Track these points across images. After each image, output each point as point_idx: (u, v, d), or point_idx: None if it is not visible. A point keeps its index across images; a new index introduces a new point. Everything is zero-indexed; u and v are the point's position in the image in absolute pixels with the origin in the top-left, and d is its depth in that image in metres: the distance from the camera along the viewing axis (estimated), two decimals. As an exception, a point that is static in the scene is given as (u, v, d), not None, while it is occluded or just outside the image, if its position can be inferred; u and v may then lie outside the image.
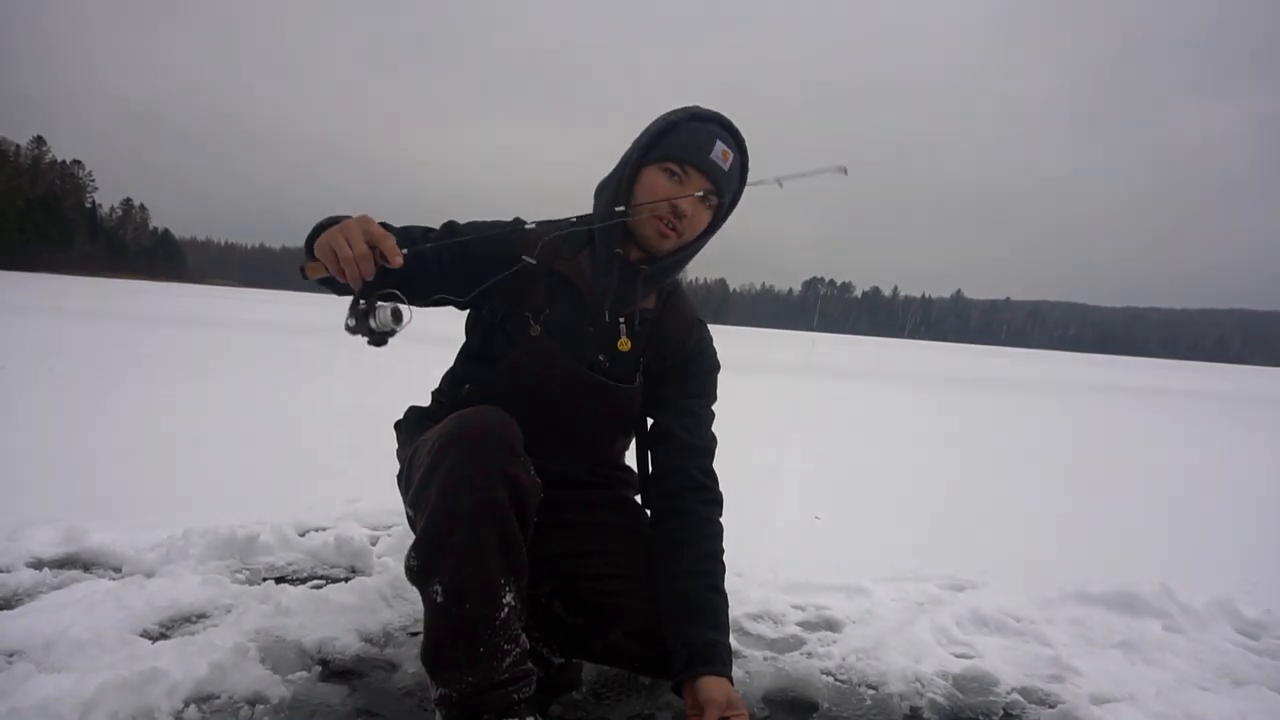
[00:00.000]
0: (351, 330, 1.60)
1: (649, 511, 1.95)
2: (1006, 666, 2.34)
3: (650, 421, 1.97)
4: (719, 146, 1.75)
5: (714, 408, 1.99)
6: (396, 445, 2.03)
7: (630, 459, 2.10)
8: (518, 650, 1.61)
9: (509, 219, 1.84)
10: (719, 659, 1.67)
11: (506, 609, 1.58)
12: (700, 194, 1.74)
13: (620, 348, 1.84)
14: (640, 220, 1.74)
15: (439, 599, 1.57)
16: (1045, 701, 2.17)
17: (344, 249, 1.49)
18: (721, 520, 1.89)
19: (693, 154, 1.73)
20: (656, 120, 1.80)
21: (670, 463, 1.88)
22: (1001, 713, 2.12)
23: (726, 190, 1.78)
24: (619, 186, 1.78)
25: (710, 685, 1.63)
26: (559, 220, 1.86)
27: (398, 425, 2.07)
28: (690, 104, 1.85)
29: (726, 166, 1.75)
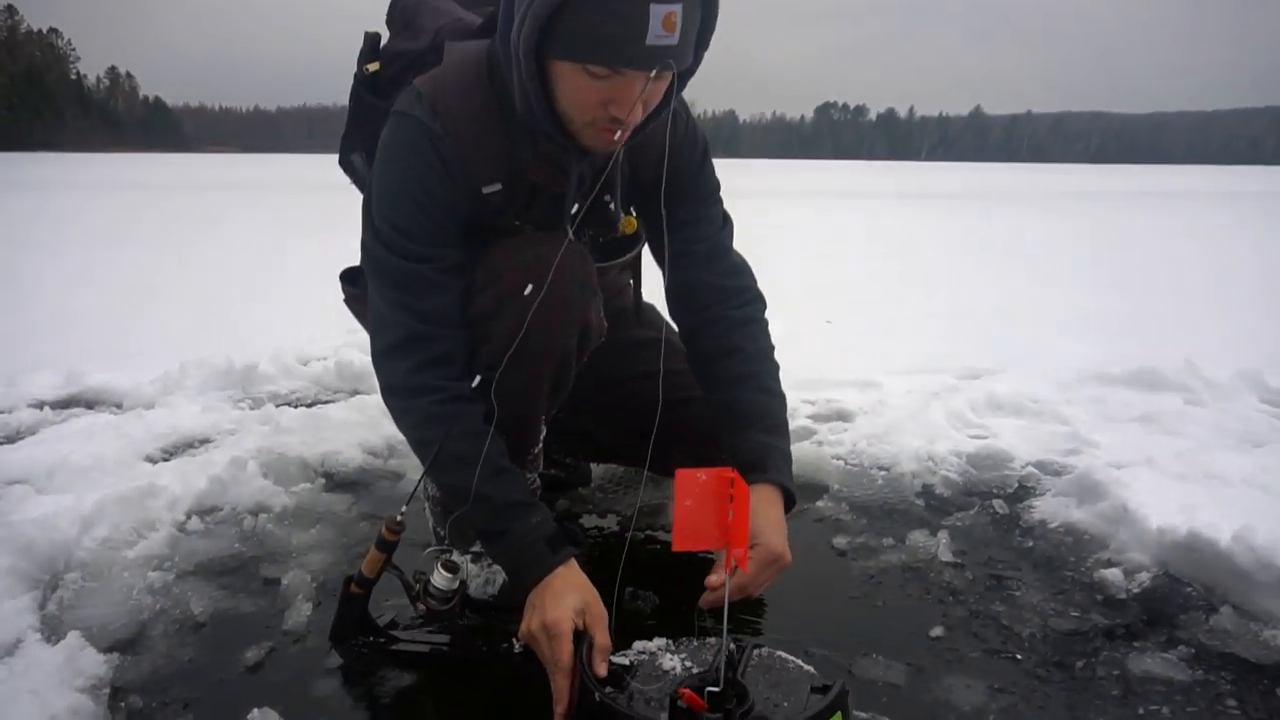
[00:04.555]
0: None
1: (676, 328, 1.66)
2: (1022, 444, 2.29)
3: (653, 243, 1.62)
4: (656, 13, 1.15)
5: (717, 181, 1.62)
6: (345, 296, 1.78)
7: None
8: (535, 476, 1.56)
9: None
10: (772, 465, 1.41)
11: (539, 445, 1.52)
12: (646, 81, 1.23)
13: (626, 230, 1.56)
14: (574, 128, 1.31)
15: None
16: (1061, 473, 2.13)
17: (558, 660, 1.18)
18: (766, 316, 1.62)
19: (620, 48, 1.18)
20: None
21: (688, 280, 1.60)
22: (1016, 485, 2.09)
23: (682, 58, 1.25)
24: (523, 88, 1.27)
25: (757, 498, 1.34)
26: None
27: (347, 275, 1.76)
28: None
29: (675, 36, 1.18)
